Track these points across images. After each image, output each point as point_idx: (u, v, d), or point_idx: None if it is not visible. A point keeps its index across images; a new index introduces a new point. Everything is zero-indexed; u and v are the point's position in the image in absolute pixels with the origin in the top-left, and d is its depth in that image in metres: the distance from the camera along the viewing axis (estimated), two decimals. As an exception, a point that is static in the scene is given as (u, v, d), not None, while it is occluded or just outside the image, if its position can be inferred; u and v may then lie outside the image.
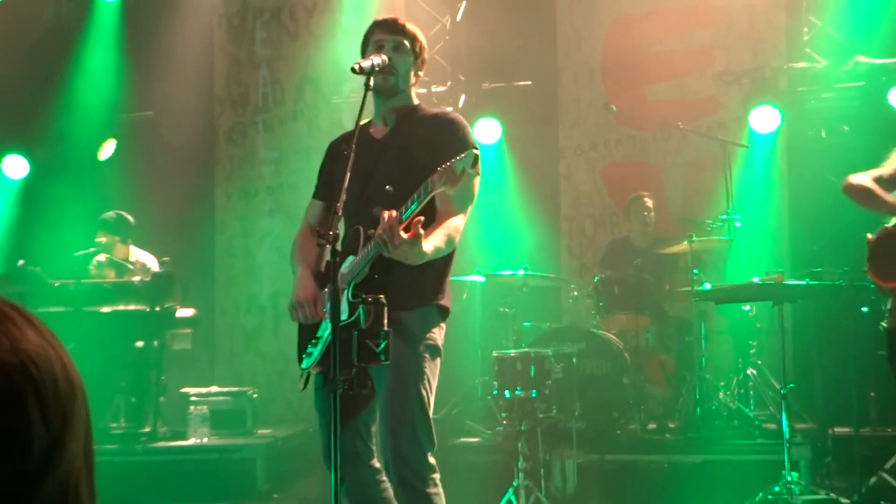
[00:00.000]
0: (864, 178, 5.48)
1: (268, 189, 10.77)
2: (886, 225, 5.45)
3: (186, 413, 9.02)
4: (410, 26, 4.68)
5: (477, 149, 3.98)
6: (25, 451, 0.78)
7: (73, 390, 0.86)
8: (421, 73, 4.80)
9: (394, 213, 3.98)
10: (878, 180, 5.44)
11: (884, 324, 5.52)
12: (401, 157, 4.52)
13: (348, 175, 4.10)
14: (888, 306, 5.51)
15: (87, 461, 0.87)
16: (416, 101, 4.76)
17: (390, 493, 4.50)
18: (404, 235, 3.94)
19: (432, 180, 3.96)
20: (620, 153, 10.00)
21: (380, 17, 4.70)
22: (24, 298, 8.73)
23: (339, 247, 4.05)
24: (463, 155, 3.90)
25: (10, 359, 0.81)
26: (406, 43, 4.61)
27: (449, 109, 4.89)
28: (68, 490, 0.82)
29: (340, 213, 4.08)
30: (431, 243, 4.16)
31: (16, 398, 0.80)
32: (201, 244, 10.85)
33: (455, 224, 4.36)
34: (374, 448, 4.55)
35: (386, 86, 4.55)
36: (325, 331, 4.38)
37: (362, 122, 4.43)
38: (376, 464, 4.53)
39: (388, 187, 4.41)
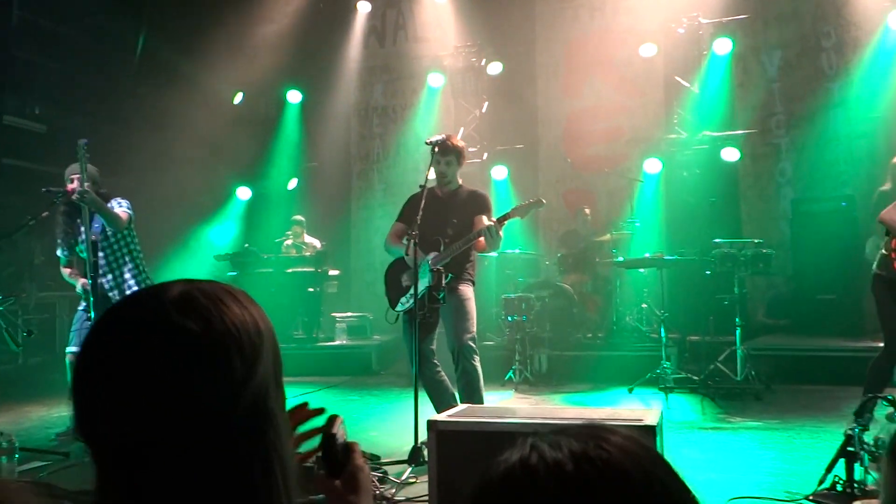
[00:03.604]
0: (889, 210, 4.33)
1: (378, 204, 10.71)
2: None
3: (334, 326, 9.16)
4: (455, 144, 4.57)
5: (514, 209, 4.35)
6: (231, 377, 0.79)
7: (261, 337, 0.84)
8: (463, 163, 4.64)
9: (492, 222, 4.28)
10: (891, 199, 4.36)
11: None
12: (457, 209, 4.53)
13: (421, 212, 4.17)
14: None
15: (275, 370, 0.86)
16: (460, 182, 4.68)
17: (444, 377, 4.51)
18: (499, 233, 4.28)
19: (512, 213, 4.33)
20: (573, 184, 9.88)
21: (435, 141, 4.39)
22: (248, 266, 8.86)
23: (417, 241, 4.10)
24: (532, 202, 4.33)
25: (220, 326, 0.81)
26: (453, 157, 4.55)
27: (479, 189, 4.72)
28: (261, 390, 0.82)
29: (417, 228, 4.12)
30: (499, 241, 4.37)
31: (223, 351, 0.80)
32: (343, 234, 10.83)
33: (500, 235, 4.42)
34: (434, 352, 4.57)
35: (444, 182, 4.56)
36: (411, 290, 4.41)
37: (428, 186, 4.47)
38: (436, 361, 4.53)
39: (454, 220, 4.46)
